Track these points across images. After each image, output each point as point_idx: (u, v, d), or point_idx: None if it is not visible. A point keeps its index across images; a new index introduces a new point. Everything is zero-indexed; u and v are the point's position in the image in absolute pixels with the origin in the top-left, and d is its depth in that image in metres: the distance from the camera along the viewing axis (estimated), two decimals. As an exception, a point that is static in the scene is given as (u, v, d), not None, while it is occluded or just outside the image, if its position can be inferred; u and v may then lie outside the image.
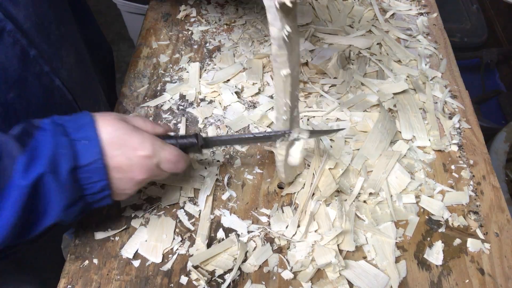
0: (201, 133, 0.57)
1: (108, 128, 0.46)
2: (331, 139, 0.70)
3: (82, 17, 0.73)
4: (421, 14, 0.96)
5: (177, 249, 0.58)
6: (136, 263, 0.57)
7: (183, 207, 0.62)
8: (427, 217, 0.63)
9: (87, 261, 0.57)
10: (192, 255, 0.57)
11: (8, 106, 0.48)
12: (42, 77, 0.51)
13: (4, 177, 0.39)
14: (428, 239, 0.61)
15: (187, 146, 0.54)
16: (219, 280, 0.55)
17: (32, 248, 0.72)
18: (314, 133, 0.57)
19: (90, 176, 0.44)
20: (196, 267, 0.56)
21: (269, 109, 0.74)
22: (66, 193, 0.43)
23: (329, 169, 0.65)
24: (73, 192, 0.44)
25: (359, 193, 0.63)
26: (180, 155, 0.51)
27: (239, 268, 0.56)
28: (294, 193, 0.64)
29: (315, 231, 0.59)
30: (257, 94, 0.77)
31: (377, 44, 0.87)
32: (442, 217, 0.63)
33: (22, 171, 0.39)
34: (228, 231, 0.60)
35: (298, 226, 0.60)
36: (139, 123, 0.50)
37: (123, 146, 0.46)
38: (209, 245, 0.58)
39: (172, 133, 0.56)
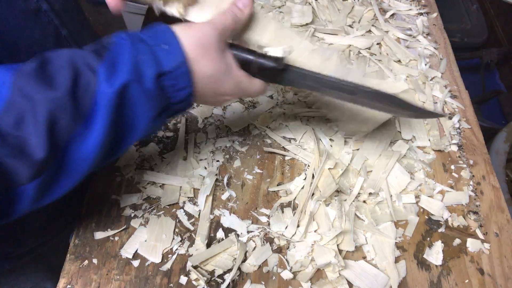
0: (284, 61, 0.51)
1: (188, 39, 0.43)
2: (331, 139, 0.70)
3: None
4: (421, 14, 0.96)
5: (177, 249, 0.58)
6: (136, 263, 0.57)
7: (182, 207, 0.62)
8: (426, 217, 0.63)
9: (86, 261, 0.57)
10: (191, 255, 0.57)
11: None
12: None
13: (90, 89, 0.37)
14: (428, 239, 0.61)
15: (266, 68, 0.49)
16: (219, 280, 0.55)
17: (50, 247, 0.73)
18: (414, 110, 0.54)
19: (176, 83, 0.41)
20: (195, 267, 0.56)
21: (269, 109, 0.74)
22: (153, 103, 0.40)
23: (329, 169, 0.65)
24: (159, 101, 0.41)
25: (358, 193, 0.63)
26: (265, 87, 0.51)
27: (239, 268, 0.56)
28: (291, 193, 0.64)
29: (315, 231, 0.59)
30: (257, 94, 0.77)
31: (377, 44, 0.87)
32: (442, 217, 0.62)
33: (106, 80, 0.37)
34: (227, 231, 0.60)
35: (298, 226, 0.60)
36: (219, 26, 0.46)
37: (207, 53, 0.44)
38: (208, 245, 0.58)
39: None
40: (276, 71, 0.50)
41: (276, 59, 0.49)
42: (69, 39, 0.53)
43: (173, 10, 0.49)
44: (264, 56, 0.49)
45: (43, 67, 0.36)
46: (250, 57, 0.49)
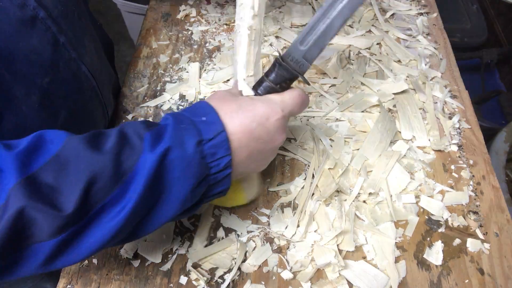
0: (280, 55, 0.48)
1: (224, 107, 0.44)
2: (331, 139, 0.70)
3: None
4: (421, 14, 0.96)
5: (177, 249, 0.58)
6: (136, 263, 0.57)
7: (182, 207, 0.62)
8: (426, 217, 0.63)
9: (86, 261, 0.57)
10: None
11: (44, 91, 0.49)
12: (71, 63, 0.53)
13: (134, 152, 0.38)
14: (428, 239, 0.61)
15: (289, 78, 0.48)
16: (219, 280, 0.55)
17: None
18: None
19: (216, 152, 0.42)
20: (195, 267, 0.56)
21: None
22: (193, 169, 0.40)
23: (329, 169, 0.65)
24: (199, 169, 0.41)
25: (358, 193, 0.63)
26: (302, 93, 0.49)
27: (239, 268, 0.56)
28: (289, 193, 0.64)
29: (315, 231, 0.59)
30: (257, 94, 0.77)
31: (377, 44, 0.87)
32: (442, 217, 0.62)
33: (150, 146, 0.38)
34: (228, 231, 0.60)
35: (298, 226, 0.60)
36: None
37: (248, 112, 0.44)
38: (208, 244, 0.58)
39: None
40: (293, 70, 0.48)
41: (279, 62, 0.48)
42: (67, 46, 0.52)
43: None
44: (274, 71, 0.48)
45: (95, 135, 0.39)
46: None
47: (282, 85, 0.48)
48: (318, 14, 0.47)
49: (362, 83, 0.79)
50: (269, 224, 0.61)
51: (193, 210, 0.46)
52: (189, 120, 0.42)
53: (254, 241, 0.59)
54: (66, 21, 0.52)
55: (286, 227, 0.60)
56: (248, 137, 0.44)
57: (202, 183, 0.42)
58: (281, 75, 0.48)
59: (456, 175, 0.68)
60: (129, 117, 0.73)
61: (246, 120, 0.44)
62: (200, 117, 0.43)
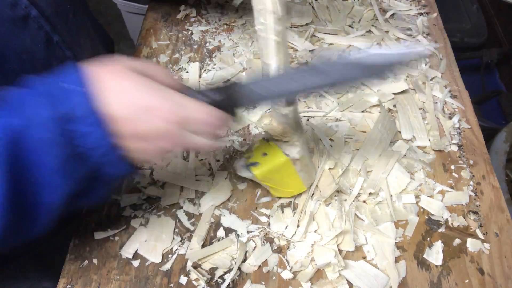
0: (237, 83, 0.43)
1: (106, 76, 0.37)
2: (331, 139, 0.70)
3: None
4: (421, 14, 0.96)
5: (177, 249, 0.58)
6: (136, 263, 0.57)
7: (182, 207, 0.62)
8: (426, 217, 0.63)
9: (86, 261, 0.57)
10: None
11: None
12: (65, 62, 0.52)
13: None
14: (428, 239, 0.61)
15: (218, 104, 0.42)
16: (219, 280, 0.55)
17: (49, 245, 0.73)
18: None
19: (78, 127, 0.35)
20: (195, 267, 0.56)
21: (269, 109, 0.74)
22: (55, 148, 0.35)
23: (329, 169, 0.65)
24: (63, 146, 0.35)
25: (358, 193, 0.63)
26: (215, 112, 0.41)
27: (239, 268, 0.56)
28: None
29: (315, 231, 0.59)
30: (257, 94, 0.77)
31: (377, 44, 0.87)
32: (442, 217, 0.62)
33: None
34: (228, 231, 0.60)
35: (298, 226, 0.60)
36: (156, 74, 0.40)
37: (126, 95, 0.37)
38: (208, 244, 0.58)
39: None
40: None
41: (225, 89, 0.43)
42: (61, 45, 0.51)
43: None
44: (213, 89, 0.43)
45: None
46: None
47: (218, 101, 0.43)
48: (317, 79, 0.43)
49: (362, 83, 0.79)
50: (269, 224, 0.61)
51: (101, 191, 0.41)
52: (47, 86, 0.36)
53: (254, 241, 0.59)
54: (60, 19, 0.51)
55: (286, 227, 0.60)
56: (127, 124, 0.37)
57: (75, 162, 0.37)
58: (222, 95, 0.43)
59: (456, 175, 0.68)
60: (129, 117, 0.73)
61: (130, 102, 0.37)
62: (69, 85, 0.36)
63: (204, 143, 0.42)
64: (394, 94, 0.76)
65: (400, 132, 0.72)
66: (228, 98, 0.43)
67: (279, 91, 0.43)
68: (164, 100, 0.38)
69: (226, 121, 0.43)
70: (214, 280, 0.55)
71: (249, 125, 0.72)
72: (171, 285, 0.55)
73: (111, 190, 0.42)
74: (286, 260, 0.57)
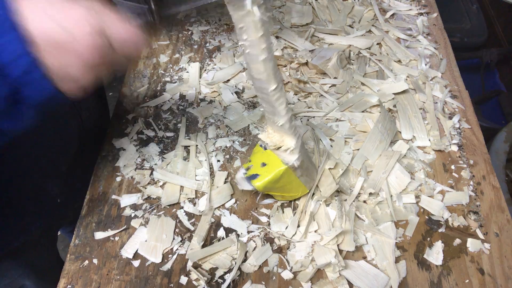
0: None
1: None
2: (331, 139, 0.70)
3: None
4: (421, 14, 0.96)
5: (177, 249, 0.58)
6: (136, 263, 0.57)
7: (183, 207, 0.62)
8: (427, 217, 0.63)
9: (87, 261, 0.57)
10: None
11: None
12: None
13: None
14: (428, 239, 0.61)
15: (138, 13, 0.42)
16: (219, 280, 0.55)
17: (29, 243, 0.72)
18: None
19: None
20: (196, 267, 0.56)
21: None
22: None
23: (329, 169, 0.65)
24: None
25: (359, 193, 0.63)
26: (133, 29, 0.40)
27: (239, 268, 0.56)
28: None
29: (315, 231, 0.59)
30: (257, 94, 0.77)
31: (377, 44, 0.87)
32: (442, 217, 0.62)
33: None
34: (228, 231, 0.60)
35: (298, 226, 0.60)
36: None
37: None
38: (208, 244, 0.58)
39: None
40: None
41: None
42: None
43: None
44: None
45: None
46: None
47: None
48: None
49: (362, 83, 0.79)
50: (269, 224, 0.61)
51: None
52: None
53: (254, 241, 0.59)
54: None
55: (286, 227, 0.60)
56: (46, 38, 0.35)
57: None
58: None
59: (456, 175, 0.68)
60: (129, 117, 0.73)
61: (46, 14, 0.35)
62: None
63: (122, 56, 0.40)
64: (394, 94, 0.77)
65: (400, 132, 0.72)
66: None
67: None
68: (82, 8, 0.37)
69: (143, 40, 0.42)
70: (214, 280, 0.55)
71: (249, 125, 0.72)
72: (171, 285, 0.55)
73: (42, 117, 0.40)
74: (286, 260, 0.57)
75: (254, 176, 0.56)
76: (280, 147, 0.55)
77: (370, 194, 0.63)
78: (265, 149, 0.57)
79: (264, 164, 0.56)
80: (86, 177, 0.66)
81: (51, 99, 0.39)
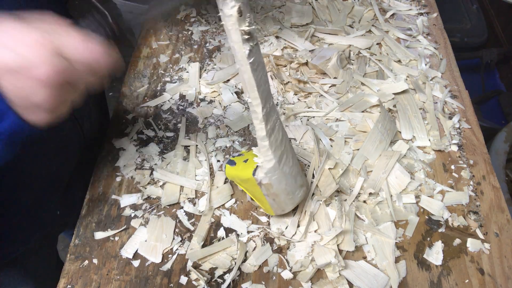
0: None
1: None
2: (331, 139, 0.70)
3: None
4: (421, 14, 0.96)
5: (177, 249, 0.58)
6: (136, 263, 0.57)
7: (183, 207, 0.62)
8: (427, 217, 0.63)
9: (86, 261, 0.57)
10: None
11: None
12: None
13: None
14: (428, 239, 0.61)
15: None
16: (219, 280, 0.55)
17: (28, 251, 0.72)
18: None
19: None
20: (196, 267, 0.56)
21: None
22: None
23: (329, 169, 0.65)
24: None
25: (359, 193, 0.63)
26: (91, 40, 0.37)
27: (239, 268, 0.56)
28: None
29: (315, 231, 0.59)
30: (257, 94, 0.77)
31: (377, 44, 0.87)
32: (442, 217, 0.62)
33: None
34: (228, 231, 0.60)
35: (298, 226, 0.60)
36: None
37: None
38: (208, 244, 0.58)
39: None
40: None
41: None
42: None
43: None
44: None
45: None
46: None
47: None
48: None
49: (362, 83, 0.79)
50: (269, 224, 0.61)
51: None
52: None
53: (254, 241, 0.59)
54: None
55: (286, 227, 0.60)
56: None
57: None
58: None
59: (456, 175, 0.68)
60: (129, 117, 0.73)
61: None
62: None
63: (86, 76, 0.38)
64: (394, 94, 0.77)
65: (400, 132, 0.72)
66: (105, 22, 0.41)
67: None
68: (35, 30, 0.35)
69: (106, 55, 0.39)
70: (214, 280, 0.55)
71: (249, 125, 0.72)
72: (171, 285, 0.55)
73: (13, 150, 0.38)
74: (286, 260, 0.57)
75: (232, 162, 0.56)
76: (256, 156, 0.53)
77: (370, 194, 0.63)
78: None
79: (246, 161, 0.55)
80: (86, 188, 0.66)
81: (19, 132, 0.37)
